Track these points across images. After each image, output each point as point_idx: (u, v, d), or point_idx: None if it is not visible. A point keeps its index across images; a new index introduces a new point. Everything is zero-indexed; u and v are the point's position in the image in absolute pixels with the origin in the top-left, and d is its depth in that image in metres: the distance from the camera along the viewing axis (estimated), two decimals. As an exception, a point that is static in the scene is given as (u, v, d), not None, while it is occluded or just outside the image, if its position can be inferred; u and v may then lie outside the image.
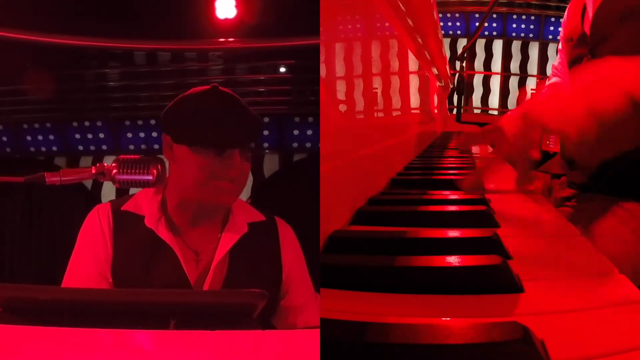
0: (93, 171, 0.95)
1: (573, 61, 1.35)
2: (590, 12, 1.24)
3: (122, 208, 1.05)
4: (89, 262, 1.02)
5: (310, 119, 3.34)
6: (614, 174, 1.21)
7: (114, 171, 0.94)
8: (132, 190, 1.12)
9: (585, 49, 1.27)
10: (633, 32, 1.10)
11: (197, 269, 1.03)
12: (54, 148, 3.48)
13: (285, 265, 1.08)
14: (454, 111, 4.25)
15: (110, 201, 1.07)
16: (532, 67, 6.21)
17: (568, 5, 1.42)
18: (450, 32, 6.22)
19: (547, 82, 1.67)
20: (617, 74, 0.81)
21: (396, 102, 1.31)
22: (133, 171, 0.94)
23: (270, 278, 1.06)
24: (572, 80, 0.91)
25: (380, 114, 1.12)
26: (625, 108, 0.77)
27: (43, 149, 3.47)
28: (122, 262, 1.01)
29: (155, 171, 0.94)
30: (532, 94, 5.63)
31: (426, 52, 1.92)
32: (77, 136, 3.46)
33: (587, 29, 1.26)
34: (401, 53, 1.36)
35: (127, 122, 3.29)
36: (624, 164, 1.16)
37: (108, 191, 3.45)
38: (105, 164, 0.97)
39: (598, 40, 1.21)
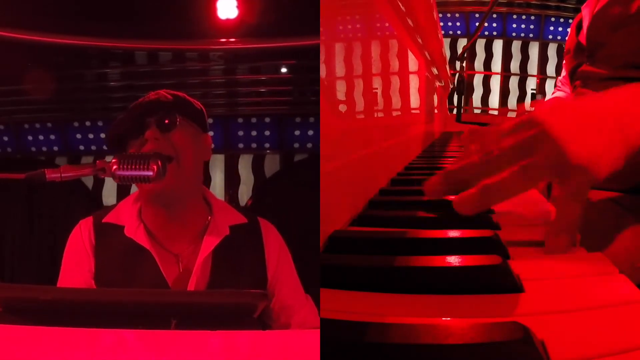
0: (93, 167, 0.95)
1: (572, 70, 1.44)
2: (586, 23, 1.34)
3: (103, 220, 1.08)
4: (74, 274, 1.06)
5: (311, 119, 3.34)
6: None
7: (114, 167, 0.93)
8: (133, 189, 1.12)
9: (582, 58, 1.36)
10: (625, 38, 1.19)
11: (177, 271, 1.04)
12: (55, 148, 3.48)
13: (270, 266, 1.09)
14: (454, 111, 4.25)
15: (93, 215, 1.10)
16: (532, 67, 6.21)
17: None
18: (450, 32, 6.22)
19: (551, 96, 1.75)
20: None
21: (396, 102, 1.31)
22: (133, 167, 0.94)
23: (255, 279, 1.08)
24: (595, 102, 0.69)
25: (380, 114, 1.12)
26: None
27: (44, 148, 3.48)
28: (104, 271, 1.04)
29: (155, 167, 0.94)
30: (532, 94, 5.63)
31: (426, 52, 1.92)
32: (78, 136, 3.46)
33: (582, 39, 1.36)
34: (401, 53, 1.36)
35: (128, 122, 3.29)
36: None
37: (109, 191, 3.45)
38: (106, 160, 0.97)
39: (595, 47, 1.30)
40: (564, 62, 1.61)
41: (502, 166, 0.62)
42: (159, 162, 0.94)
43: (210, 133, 1.16)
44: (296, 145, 3.42)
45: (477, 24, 5.70)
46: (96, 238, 1.06)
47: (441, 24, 2.67)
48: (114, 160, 0.94)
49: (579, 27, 1.41)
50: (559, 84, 1.70)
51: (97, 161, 0.95)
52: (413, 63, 1.62)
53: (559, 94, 1.67)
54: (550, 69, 6.15)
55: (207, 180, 3.27)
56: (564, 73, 1.64)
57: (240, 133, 3.44)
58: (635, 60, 1.19)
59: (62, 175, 0.93)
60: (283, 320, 1.10)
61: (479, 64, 6.26)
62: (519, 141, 0.62)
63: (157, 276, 1.03)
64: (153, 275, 1.03)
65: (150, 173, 0.94)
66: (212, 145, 1.15)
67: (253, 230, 1.12)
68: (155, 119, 1.03)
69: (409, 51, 1.50)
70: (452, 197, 0.68)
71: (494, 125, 0.75)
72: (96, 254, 1.05)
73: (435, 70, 2.50)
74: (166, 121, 1.04)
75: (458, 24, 6.24)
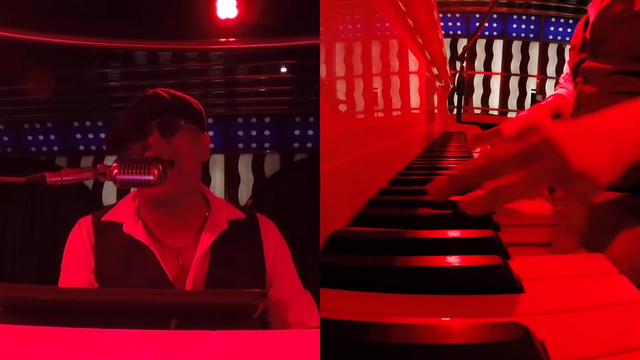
0: (94, 171, 0.95)
1: (576, 66, 1.46)
2: (592, 19, 1.39)
3: (102, 219, 1.09)
4: (74, 271, 1.07)
5: (311, 119, 3.34)
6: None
7: (115, 171, 0.94)
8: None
9: (586, 53, 1.39)
10: (627, 32, 1.24)
11: (177, 265, 1.06)
12: (55, 148, 3.48)
13: (268, 260, 1.11)
14: (454, 111, 4.25)
15: (93, 214, 1.11)
16: (532, 67, 6.21)
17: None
18: (450, 32, 6.22)
19: (553, 93, 1.78)
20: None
21: (396, 102, 1.31)
22: (134, 171, 0.94)
23: (252, 272, 1.09)
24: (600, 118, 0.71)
25: (381, 114, 1.12)
26: None
27: (44, 149, 3.48)
28: (104, 267, 1.06)
29: (156, 171, 0.94)
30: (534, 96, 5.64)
31: (426, 52, 1.92)
32: (78, 136, 3.46)
33: (588, 35, 1.39)
34: (401, 53, 1.36)
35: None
36: None
37: (109, 192, 3.46)
38: (106, 164, 0.97)
39: (598, 43, 1.34)
40: (568, 58, 1.64)
41: (509, 171, 0.66)
42: (160, 167, 0.95)
43: (210, 133, 1.16)
44: (296, 145, 3.42)
45: (477, 24, 5.70)
46: (95, 235, 1.07)
47: (441, 24, 2.68)
48: (114, 165, 0.94)
49: (586, 24, 1.45)
50: (562, 80, 1.75)
51: (98, 165, 0.96)
52: (413, 63, 1.62)
53: (560, 90, 1.71)
54: (551, 70, 6.15)
55: (207, 180, 3.28)
56: (567, 69, 1.68)
57: (240, 133, 3.44)
58: (637, 52, 1.22)
59: (63, 178, 0.93)
60: (280, 313, 1.11)
61: (479, 64, 6.27)
62: (525, 148, 0.66)
63: (157, 270, 1.04)
64: (153, 270, 1.04)
65: (151, 178, 0.94)
66: (212, 145, 1.15)
67: (251, 225, 1.13)
68: (158, 123, 1.03)
69: (409, 51, 1.50)
70: (457, 198, 0.70)
71: (497, 131, 0.81)
72: (96, 251, 1.06)
73: (435, 71, 2.50)
74: (169, 125, 1.04)
75: (458, 24, 6.24)
